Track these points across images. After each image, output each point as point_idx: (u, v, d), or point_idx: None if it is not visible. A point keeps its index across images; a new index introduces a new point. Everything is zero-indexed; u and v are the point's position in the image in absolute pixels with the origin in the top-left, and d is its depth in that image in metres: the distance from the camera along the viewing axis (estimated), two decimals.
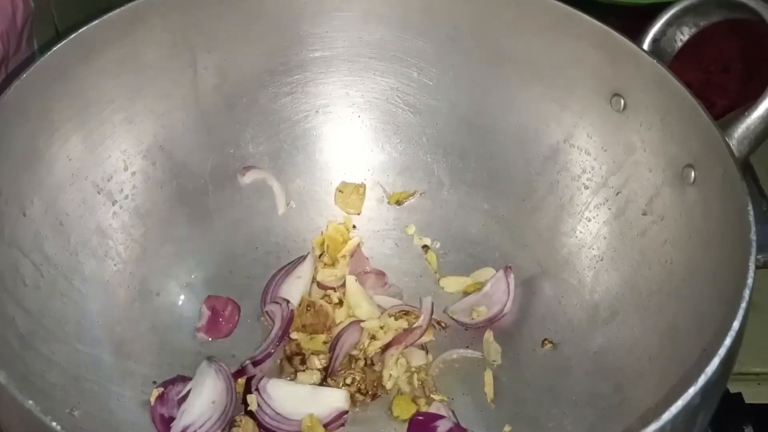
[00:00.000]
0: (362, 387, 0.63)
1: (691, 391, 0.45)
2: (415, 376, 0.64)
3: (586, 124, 0.66)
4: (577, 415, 0.61)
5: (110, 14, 0.62)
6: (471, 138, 0.72)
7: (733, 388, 0.67)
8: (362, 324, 0.66)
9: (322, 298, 0.68)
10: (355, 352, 0.65)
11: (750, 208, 0.52)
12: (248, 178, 0.72)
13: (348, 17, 0.70)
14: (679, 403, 0.44)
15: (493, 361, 0.65)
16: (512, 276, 0.68)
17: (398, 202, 0.74)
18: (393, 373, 0.64)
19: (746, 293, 0.48)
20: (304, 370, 0.64)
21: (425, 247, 0.72)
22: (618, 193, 0.65)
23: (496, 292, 0.68)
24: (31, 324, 0.58)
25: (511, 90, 0.69)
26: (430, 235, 0.73)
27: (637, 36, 0.63)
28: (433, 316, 0.67)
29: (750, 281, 0.49)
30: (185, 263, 0.69)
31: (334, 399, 0.61)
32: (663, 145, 0.61)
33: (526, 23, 0.66)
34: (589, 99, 0.65)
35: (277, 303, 0.67)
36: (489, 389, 0.64)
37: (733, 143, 0.56)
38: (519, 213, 0.70)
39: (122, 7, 0.63)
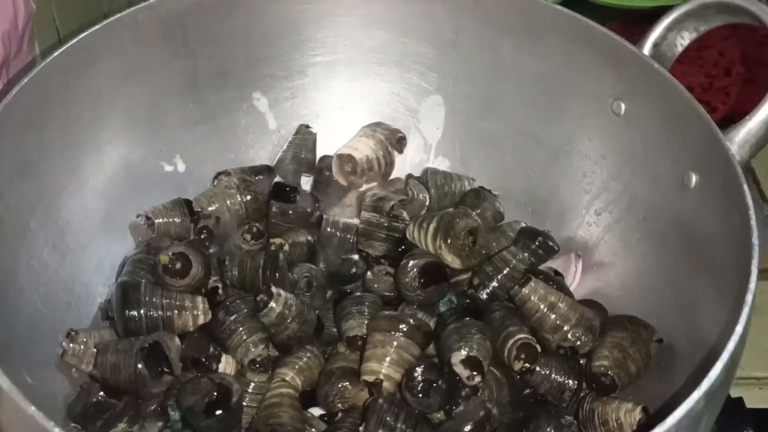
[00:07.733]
0: None
1: (695, 395, 0.44)
2: None
3: (586, 128, 0.66)
4: None
5: (111, 20, 0.63)
6: (472, 142, 0.72)
7: (733, 392, 0.66)
8: None
9: None
10: None
11: (752, 212, 0.51)
12: None
13: (349, 22, 0.70)
14: (683, 408, 0.44)
15: None
16: (580, 262, 0.67)
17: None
18: None
19: (749, 298, 0.48)
20: None
21: None
22: (619, 198, 0.65)
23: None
24: (33, 330, 0.58)
25: (512, 94, 0.69)
26: None
27: (637, 40, 0.63)
28: None
29: (753, 285, 0.49)
30: None
31: None
32: (664, 149, 0.60)
33: (527, 27, 0.66)
34: (589, 103, 0.65)
35: None
36: None
37: (734, 147, 0.56)
38: (520, 216, 0.70)
39: (123, 13, 0.63)
